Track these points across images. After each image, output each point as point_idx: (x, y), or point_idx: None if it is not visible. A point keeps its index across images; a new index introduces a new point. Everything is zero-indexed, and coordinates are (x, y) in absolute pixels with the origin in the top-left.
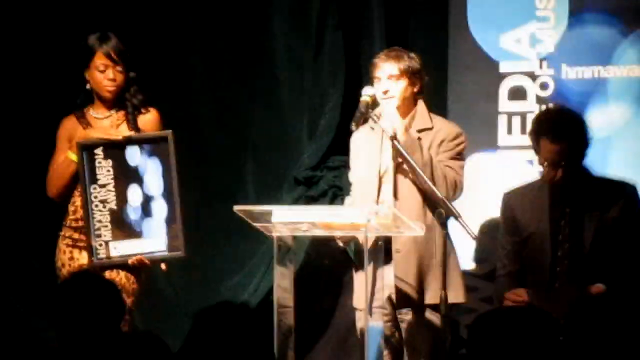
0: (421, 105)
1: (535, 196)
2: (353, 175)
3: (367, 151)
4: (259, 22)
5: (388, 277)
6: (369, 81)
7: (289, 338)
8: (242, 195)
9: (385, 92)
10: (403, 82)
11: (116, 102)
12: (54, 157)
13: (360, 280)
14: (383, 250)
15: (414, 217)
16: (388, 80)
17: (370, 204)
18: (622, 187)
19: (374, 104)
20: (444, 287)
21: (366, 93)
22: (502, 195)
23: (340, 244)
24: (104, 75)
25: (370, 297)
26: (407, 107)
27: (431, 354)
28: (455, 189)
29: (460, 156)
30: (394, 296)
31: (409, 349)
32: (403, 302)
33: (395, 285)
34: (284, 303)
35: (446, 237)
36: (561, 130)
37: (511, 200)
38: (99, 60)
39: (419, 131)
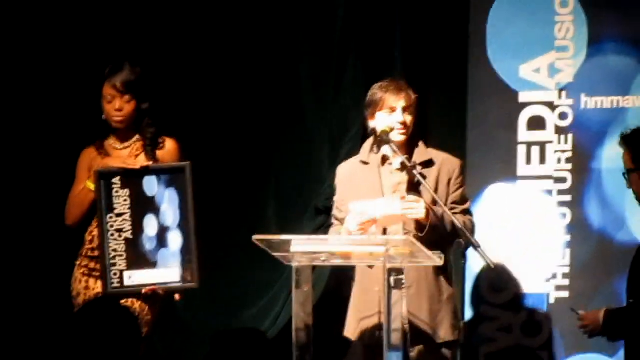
0: (417, 138)
1: None
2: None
3: (367, 183)
4: (283, 54)
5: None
6: (372, 111)
7: None
8: (263, 224)
9: (404, 124)
10: (412, 115)
11: (134, 131)
12: (73, 186)
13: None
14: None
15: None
16: (403, 111)
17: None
18: None
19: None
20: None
21: (385, 124)
22: None
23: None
24: (111, 105)
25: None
26: (410, 139)
27: None
28: (473, 230)
29: (465, 188)
30: (407, 327)
31: None
32: (415, 339)
33: (408, 321)
34: (303, 332)
35: (463, 267)
36: None
37: None
38: (107, 90)
39: (421, 164)
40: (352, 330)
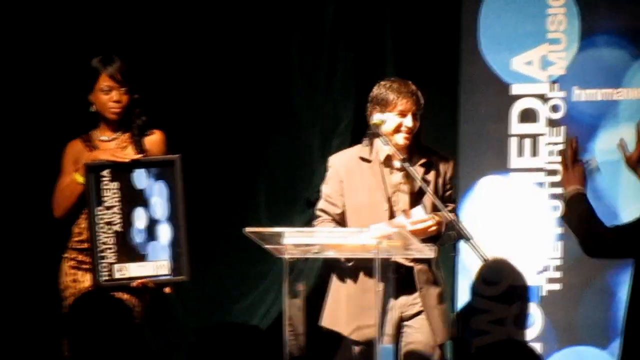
0: (416, 138)
1: None
2: (345, 202)
3: (368, 182)
4: (274, 46)
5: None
6: (381, 109)
7: None
8: (255, 216)
9: (410, 129)
10: (419, 120)
11: (121, 124)
12: (59, 179)
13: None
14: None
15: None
16: (412, 117)
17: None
18: None
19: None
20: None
21: (378, 118)
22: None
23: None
24: (109, 97)
25: (381, 318)
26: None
27: None
28: None
29: (455, 188)
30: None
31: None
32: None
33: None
34: (295, 325)
35: (455, 260)
36: None
37: None
38: (104, 82)
39: (422, 165)
40: (341, 324)
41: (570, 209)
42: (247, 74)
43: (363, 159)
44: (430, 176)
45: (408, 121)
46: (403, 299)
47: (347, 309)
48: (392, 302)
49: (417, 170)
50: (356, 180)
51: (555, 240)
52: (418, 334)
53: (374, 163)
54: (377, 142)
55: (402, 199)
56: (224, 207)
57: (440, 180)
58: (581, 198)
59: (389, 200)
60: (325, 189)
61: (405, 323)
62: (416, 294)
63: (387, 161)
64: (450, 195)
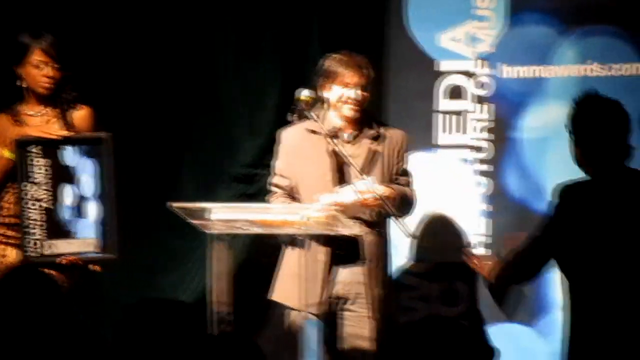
0: (367, 112)
1: None
2: (295, 174)
3: (311, 152)
4: (199, 25)
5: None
6: (328, 82)
7: None
8: (180, 192)
9: (357, 101)
10: (368, 92)
11: (49, 99)
12: None
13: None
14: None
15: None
16: (359, 89)
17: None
18: None
19: (313, 104)
20: (383, 286)
21: (304, 94)
22: None
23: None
24: (41, 71)
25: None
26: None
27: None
28: (415, 202)
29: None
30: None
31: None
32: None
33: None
34: (220, 300)
35: (385, 236)
36: None
37: None
38: (37, 57)
39: (372, 139)
40: (283, 296)
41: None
42: (173, 51)
43: (311, 132)
44: (380, 148)
45: (353, 92)
46: (347, 275)
47: (290, 282)
48: (336, 276)
49: (366, 143)
50: (304, 153)
51: (483, 217)
52: (356, 328)
53: (322, 135)
54: (328, 114)
55: (350, 171)
56: (151, 183)
57: (391, 153)
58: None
59: (335, 171)
60: (277, 163)
61: (346, 306)
62: (359, 270)
63: (335, 132)
64: (403, 168)
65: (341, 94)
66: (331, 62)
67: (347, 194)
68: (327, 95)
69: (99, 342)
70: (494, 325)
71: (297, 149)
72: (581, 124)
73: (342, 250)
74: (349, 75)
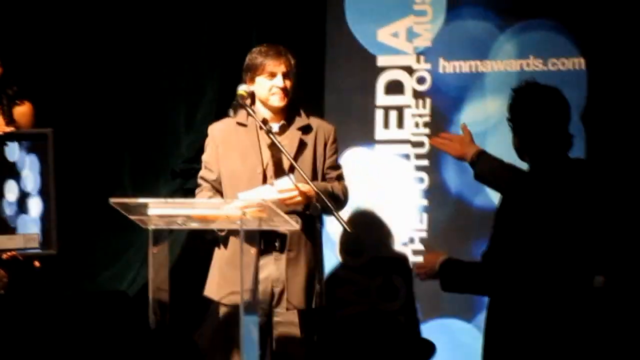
0: (295, 103)
1: None
2: (221, 168)
3: (244, 146)
4: (139, 20)
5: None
6: (252, 75)
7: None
8: (119, 187)
9: (284, 89)
10: (291, 80)
11: None
12: None
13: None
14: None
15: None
16: (283, 77)
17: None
18: None
19: (251, 99)
20: (319, 281)
21: (242, 88)
22: None
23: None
24: None
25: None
26: (289, 104)
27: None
28: (347, 197)
29: (338, 155)
30: (276, 290)
31: (278, 347)
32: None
33: (283, 284)
34: (160, 295)
35: (320, 231)
36: None
37: None
38: None
39: (300, 129)
40: (215, 291)
41: (482, 170)
42: (112, 47)
43: (240, 124)
44: (309, 139)
45: (278, 81)
46: (274, 271)
47: (220, 276)
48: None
49: (296, 134)
50: (232, 146)
51: (421, 212)
52: (286, 329)
53: (250, 128)
54: (258, 107)
55: (279, 164)
56: (90, 178)
57: (322, 145)
58: (485, 156)
59: (264, 164)
60: (204, 156)
61: (276, 310)
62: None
63: (263, 124)
64: (334, 160)
65: (269, 85)
66: (253, 55)
67: (267, 192)
68: (255, 89)
69: (38, 337)
70: (432, 321)
71: (226, 143)
72: (520, 112)
73: (273, 242)
74: (272, 64)
